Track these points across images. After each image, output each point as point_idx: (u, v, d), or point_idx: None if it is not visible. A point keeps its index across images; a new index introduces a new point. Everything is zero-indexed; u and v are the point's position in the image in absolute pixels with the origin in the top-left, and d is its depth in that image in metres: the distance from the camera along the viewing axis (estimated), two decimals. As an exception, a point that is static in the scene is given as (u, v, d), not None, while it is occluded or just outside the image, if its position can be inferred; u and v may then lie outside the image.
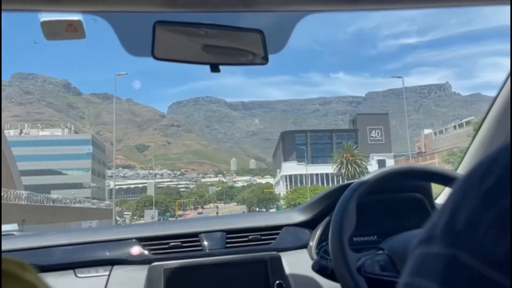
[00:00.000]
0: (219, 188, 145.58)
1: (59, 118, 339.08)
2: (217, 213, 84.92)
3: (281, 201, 69.16)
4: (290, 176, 77.14)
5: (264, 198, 76.72)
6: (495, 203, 0.30)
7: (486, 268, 0.29)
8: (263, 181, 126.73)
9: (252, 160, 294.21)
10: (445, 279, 0.31)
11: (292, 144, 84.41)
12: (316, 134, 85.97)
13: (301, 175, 75.70)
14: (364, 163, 59.61)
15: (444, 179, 1.29)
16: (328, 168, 72.14)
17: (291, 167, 78.84)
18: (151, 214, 62.40)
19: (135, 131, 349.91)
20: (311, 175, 76.04)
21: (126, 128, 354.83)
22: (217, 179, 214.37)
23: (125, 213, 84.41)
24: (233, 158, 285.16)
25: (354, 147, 60.30)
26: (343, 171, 58.26)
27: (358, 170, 58.04)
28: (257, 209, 70.28)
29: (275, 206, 71.45)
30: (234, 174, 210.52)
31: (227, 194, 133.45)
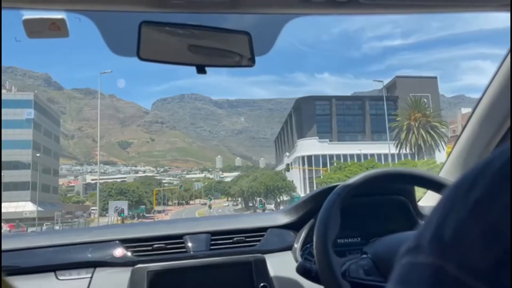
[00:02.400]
0: (206, 183, 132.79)
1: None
2: (209, 206, 67.16)
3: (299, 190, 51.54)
4: (310, 157, 59.52)
5: (275, 187, 58.70)
6: (481, 216, 0.30)
7: (472, 279, 0.29)
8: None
9: (238, 158, 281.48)
10: (430, 287, 0.31)
11: (311, 115, 66.46)
12: (343, 103, 68.37)
13: (324, 156, 58.10)
14: (443, 129, 41.78)
15: (426, 182, 1.30)
16: (360, 148, 55.32)
17: (310, 146, 60.89)
18: (114, 207, 48.31)
19: (117, 128, 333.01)
20: (338, 156, 58.42)
21: (108, 124, 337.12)
22: (202, 175, 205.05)
23: (92, 208, 65.83)
24: (219, 156, 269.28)
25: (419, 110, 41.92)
26: (412, 140, 40.46)
27: (436, 139, 40.11)
28: (263, 200, 52.60)
29: (289, 196, 56.28)
30: (220, 172, 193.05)
31: (216, 188, 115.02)
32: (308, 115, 65.49)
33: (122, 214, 42.22)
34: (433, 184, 1.27)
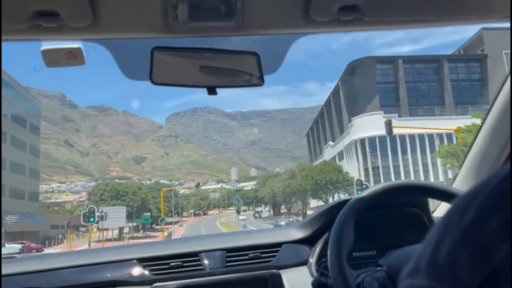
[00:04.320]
0: (223, 193, 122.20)
1: (54, 131, 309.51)
2: (237, 210, 48.33)
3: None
4: (373, 139, 40.36)
5: (328, 181, 39.34)
6: (471, 240, 0.31)
7: None
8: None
9: (253, 169, 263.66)
10: None
11: (371, 83, 47.21)
12: (413, 66, 48.74)
13: (393, 138, 42.84)
14: None
15: (440, 194, 1.27)
16: (440, 124, 38.23)
17: (371, 124, 41.66)
18: (103, 212, 35.53)
19: (132, 143, 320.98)
20: (412, 137, 38.97)
21: (123, 140, 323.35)
22: (218, 186, 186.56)
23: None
24: (233, 168, 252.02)
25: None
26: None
27: None
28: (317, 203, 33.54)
29: (346, 193, 42.55)
30: (236, 183, 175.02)
31: (239, 197, 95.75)
32: (365, 84, 46.25)
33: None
34: (446, 196, 1.23)
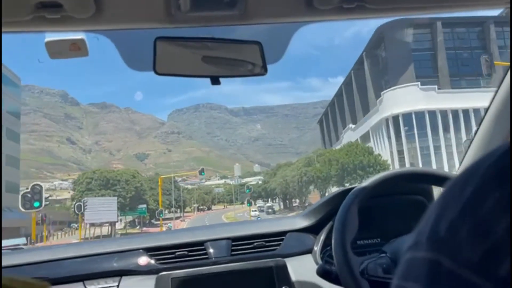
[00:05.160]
0: (228, 188, 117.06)
1: (56, 129, 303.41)
2: (248, 201, 40.95)
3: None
4: (408, 116, 33.12)
5: (357, 165, 31.51)
6: (471, 214, 0.31)
7: (465, 271, 0.30)
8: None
9: (256, 165, 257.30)
10: (428, 281, 0.32)
11: (404, 51, 39.56)
12: (453, 30, 40.99)
13: (433, 113, 37.00)
14: None
15: (443, 181, 1.25)
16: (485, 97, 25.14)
17: (405, 98, 34.21)
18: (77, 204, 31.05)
19: (134, 140, 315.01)
20: (455, 112, 36.60)
21: (125, 137, 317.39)
22: (222, 181, 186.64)
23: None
24: (237, 164, 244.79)
25: None
26: None
27: None
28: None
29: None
30: (240, 179, 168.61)
31: (241, 190, 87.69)
32: (397, 52, 38.27)
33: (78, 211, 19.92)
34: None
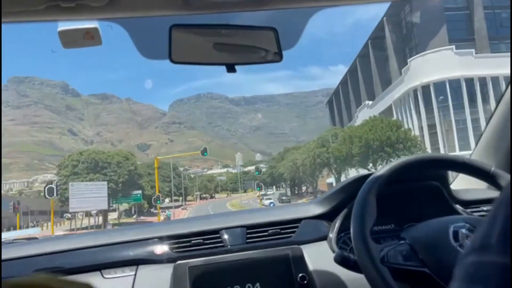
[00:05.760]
0: (230, 176, 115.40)
1: (58, 120, 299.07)
2: (258, 184, 35.51)
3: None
4: (441, 84, 27.29)
5: (385, 142, 24.98)
6: None
7: None
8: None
9: (258, 154, 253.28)
10: (501, 286, 0.29)
11: (435, 10, 33.89)
12: None
13: (470, 82, 31.73)
14: None
15: (459, 166, 1.25)
16: None
17: (438, 64, 33.02)
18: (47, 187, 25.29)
19: (136, 131, 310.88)
20: (495, 79, 31.27)
21: (127, 128, 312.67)
22: (224, 170, 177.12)
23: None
24: (238, 153, 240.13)
25: None
26: None
27: None
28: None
29: None
30: (242, 168, 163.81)
31: (245, 178, 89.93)
32: (425, 12, 32.07)
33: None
34: (467, 168, 1.22)
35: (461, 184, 1.61)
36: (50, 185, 23.65)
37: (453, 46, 32.84)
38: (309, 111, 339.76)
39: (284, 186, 67.16)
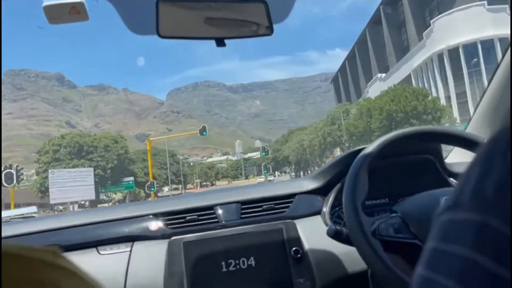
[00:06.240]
0: (231, 163, 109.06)
1: (55, 113, 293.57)
2: (265, 166, 31.13)
3: None
4: (471, 46, 24.40)
5: (410, 112, 20.28)
6: None
7: None
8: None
9: (257, 140, 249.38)
10: (474, 244, 0.28)
11: None
12: None
13: (505, 40, 26.32)
14: None
15: (454, 140, 1.23)
16: None
17: (466, 23, 28.23)
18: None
19: (134, 121, 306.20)
20: None
21: (125, 118, 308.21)
22: (224, 157, 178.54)
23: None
24: (238, 141, 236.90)
25: None
26: None
27: None
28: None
29: None
30: (242, 154, 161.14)
31: (247, 164, 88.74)
32: None
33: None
34: (461, 141, 1.20)
35: (457, 157, 1.59)
36: (8, 170, 19.33)
37: (485, 2, 28.41)
38: (308, 97, 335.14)
39: (288, 171, 62.97)
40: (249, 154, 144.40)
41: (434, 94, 31.08)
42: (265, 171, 34.94)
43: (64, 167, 29.07)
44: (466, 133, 1.21)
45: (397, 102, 27.61)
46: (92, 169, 27.97)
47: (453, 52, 30.04)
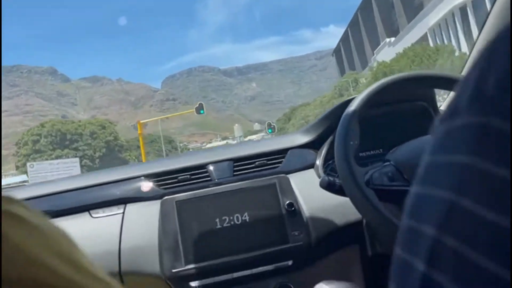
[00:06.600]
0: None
1: (50, 108, 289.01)
2: (269, 125, 27.32)
3: None
4: None
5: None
6: None
7: None
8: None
9: (256, 123, 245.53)
10: (476, 147, 0.25)
11: None
12: None
13: None
14: None
15: (448, 83, 1.14)
16: None
17: None
18: None
19: (130, 111, 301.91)
20: None
21: (121, 109, 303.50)
22: (224, 142, 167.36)
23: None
24: (236, 124, 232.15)
25: None
26: None
27: None
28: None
29: None
30: (242, 138, 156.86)
31: None
32: None
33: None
34: (451, 84, 1.13)
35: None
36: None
37: None
38: (303, 76, 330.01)
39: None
40: (249, 137, 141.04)
41: (457, 53, 27.56)
42: (270, 130, 31.35)
43: (46, 159, 25.63)
44: (459, 76, 1.13)
45: (419, 63, 24.16)
46: (77, 159, 24.65)
47: (477, 2, 26.36)
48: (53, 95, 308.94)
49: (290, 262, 1.26)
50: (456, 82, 0.99)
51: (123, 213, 1.30)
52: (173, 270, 1.21)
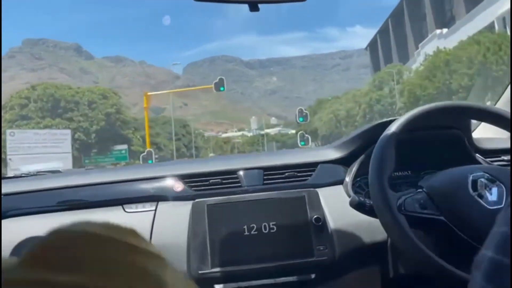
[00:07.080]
0: (246, 139, 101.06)
1: (73, 84, 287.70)
2: (304, 137, 22.05)
3: None
4: None
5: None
6: None
7: None
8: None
9: (273, 118, 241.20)
10: None
11: None
12: None
13: None
14: None
15: (484, 115, 1.19)
16: None
17: None
18: None
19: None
20: None
21: (141, 91, 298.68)
22: (240, 133, 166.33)
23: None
24: (253, 117, 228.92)
25: None
26: None
27: None
28: None
29: None
30: (259, 130, 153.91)
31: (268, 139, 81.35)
32: None
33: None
34: (491, 117, 1.16)
35: (484, 132, 1.56)
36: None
37: None
38: (326, 74, 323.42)
39: (313, 146, 54.77)
40: (267, 130, 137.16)
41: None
42: (302, 143, 25.88)
43: (33, 128, 21.57)
44: (496, 109, 1.16)
45: (496, 51, 19.26)
46: (69, 131, 20.44)
47: None
48: (76, 71, 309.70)
49: (313, 276, 1.26)
50: (492, 114, 1.10)
51: (155, 210, 1.31)
52: (200, 272, 1.21)
